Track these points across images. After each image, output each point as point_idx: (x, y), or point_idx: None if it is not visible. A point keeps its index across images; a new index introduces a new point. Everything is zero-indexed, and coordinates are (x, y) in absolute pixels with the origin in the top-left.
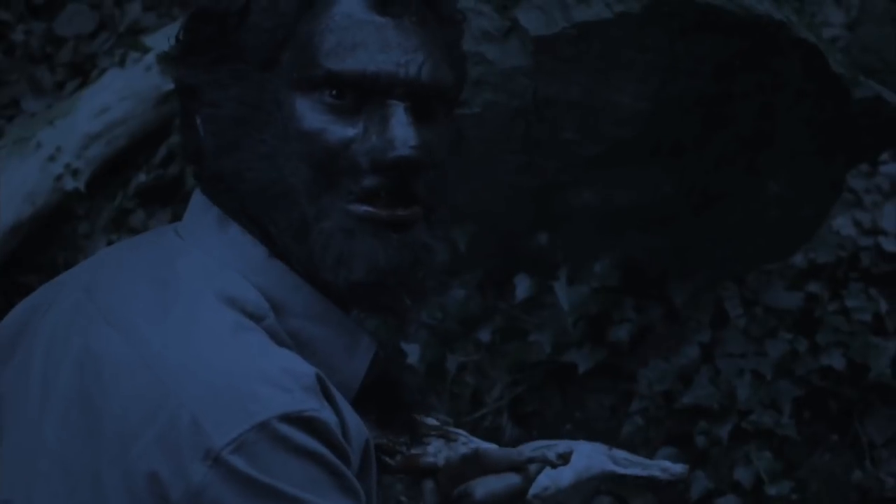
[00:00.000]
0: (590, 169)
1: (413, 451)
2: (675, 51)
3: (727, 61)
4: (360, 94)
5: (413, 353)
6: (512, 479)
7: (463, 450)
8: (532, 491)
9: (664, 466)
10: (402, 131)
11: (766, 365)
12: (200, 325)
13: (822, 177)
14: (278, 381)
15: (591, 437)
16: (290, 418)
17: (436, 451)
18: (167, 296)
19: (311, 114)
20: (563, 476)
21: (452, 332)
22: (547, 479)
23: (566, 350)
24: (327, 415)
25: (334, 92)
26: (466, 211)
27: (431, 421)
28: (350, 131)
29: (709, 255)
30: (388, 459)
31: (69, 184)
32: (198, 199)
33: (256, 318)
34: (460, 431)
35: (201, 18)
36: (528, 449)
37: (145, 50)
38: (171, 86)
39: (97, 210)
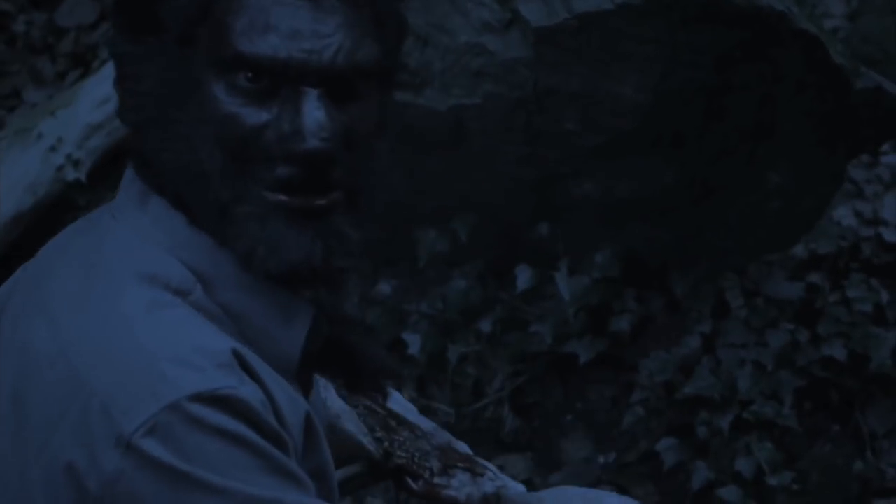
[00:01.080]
0: (591, 160)
1: (437, 481)
2: (676, 42)
3: (728, 52)
4: (276, 79)
5: (414, 343)
6: None
7: (488, 486)
8: None
9: None
10: (312, 121)
11: (767, 355)
12: (115, 308)
13: (822, 167)
14: (189, 359)
15: (592, 427)
16: (202, 398)
17: (459, 486)
18: (90, 281)
19: (225, 97)
20: None
21: (453, 323)
22: None
23: (567, 341)
24: (247, 391)
25: (250, 75)
26: (468, 201)
27: (462, 448)
28: (263, 116)
29: (710, 246)
30: (410, 482)
31: (70, 174)
32: (127, 174)
33: (182, 293)
34: (489, 466)
35: None
36: (552, 496)
37: None
38: None
39: (98, 200)
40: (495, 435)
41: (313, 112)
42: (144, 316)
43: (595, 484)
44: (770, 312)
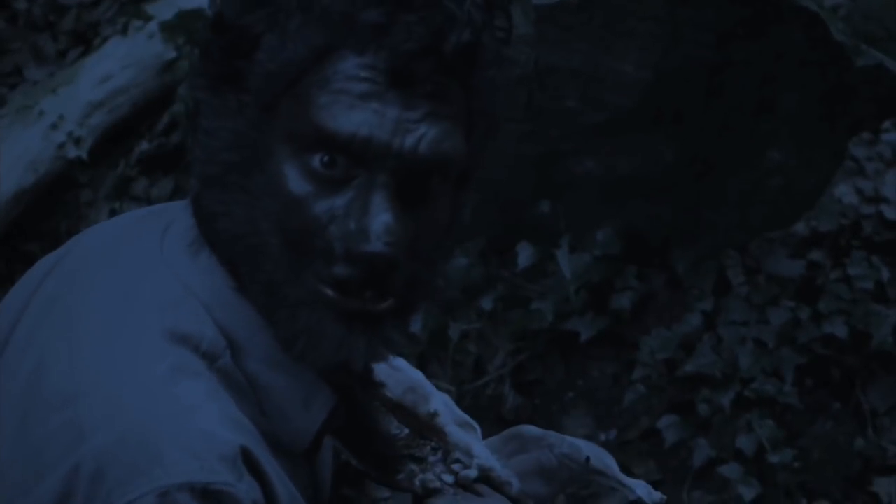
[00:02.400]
0: (592, 137)
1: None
2: (678, 19)
3: (729, 30)
4: (351, 165)
5: (415, 321)
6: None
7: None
8: None
9: (641, 494)
10: (380, 222)
11: (769, 333)
12: (134, 365)
13: (823, 145)
14: (192, 446)
15: (593, 405)
16: (193, 489)
17: (407, 476)
18: (122, 323)
19: (297, 177)
20: (541, 491)
21: (454, 301)
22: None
23: (568, 318)
24: (242, 489)
25: (325, 159)
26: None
27: (435, 405)
28: (331, 207)
29: (711, 224)
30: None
31: (72, 152)
32: (187, 213)
33: (210, 357)
34: (447, 430)
35: (219, 26)
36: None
37: (148, 18)
38: (173, 54)
39: (100, 178)
40: (496, 412)
41: (382, 212)
42: (163, 384)
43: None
44: (771, 290)
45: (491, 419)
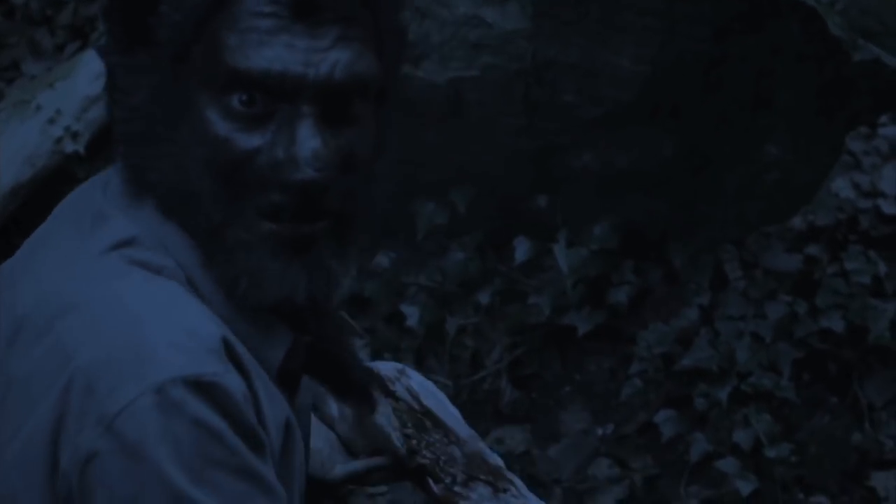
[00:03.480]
0: (589, 131)
1: (457, 489)
2: (675, 13)
3: (726, 24)
4: (270, 99)
5: (412, 315)
6: None
7: (513, 503)
8: None
9: None
10: (307, 149)
11: (766, 327)
12: (107, 281)
13: (821, 139)
14: (179, 341)
15: (590, 399)
16: (187, 381)
17: (479, 499)
18: (83, 255)
19: (218, 119)
20: None
21: (452, 295)
22: None
23: (565, 312)
24: (230, 380)
25: (244, 97)
26: (466, 173)
27: (495, 460)
28: (256, 141)
29: (708, 218)
30: (431, 484)
31: (69, 146)
32: (119, 172)
33: (174, 280)
34: (516, 482)
35: None
36: None
37: None
38: None
39: (97, 172)
40: (494, 407)
41: (308, 140)
42: (138, 288)
43: (593, 456)
44: (768, 284)
45: (488, 413)
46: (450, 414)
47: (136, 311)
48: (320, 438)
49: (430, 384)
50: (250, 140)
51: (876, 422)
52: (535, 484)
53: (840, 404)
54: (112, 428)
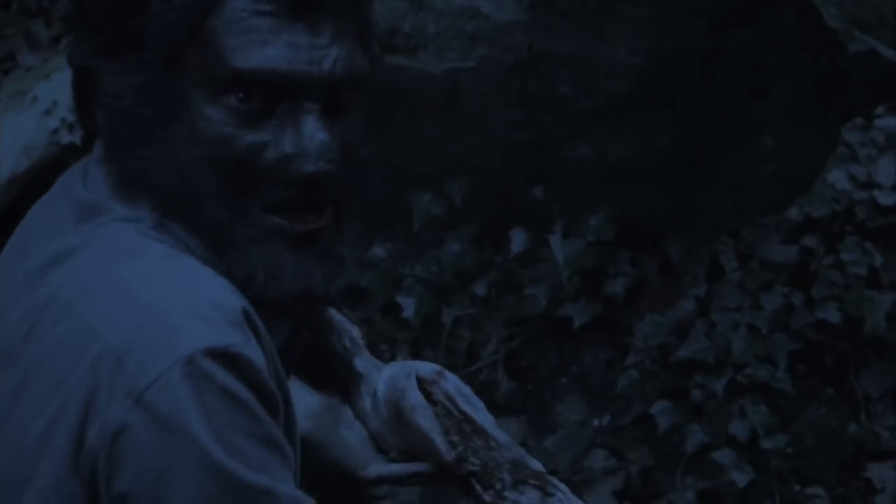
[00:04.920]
0: (585, 123)
1: (507, 494)
2: (671, 5)
3: (722, 15)
4: (270, 97)
5: (408, 306)
6: None
7: None
8: None
9: None
10: (317, 142)
11: (762, 318)
12: (127, 259)
13: (817, 131)
14: (204, 313)
15: (586, 390)
16: (215, 353)
17: (528, 502)
18: (92, 239)
19: (217, 118)
20: None
21: (448, 286)
22: None
23: (562, 304)
24: (252, 351)
25: (241, 95)
26: (462, 165)
27: (535, 464)
28: (259, 137)
29: (704, 209)
30: (480, 490)
31: (65, 137)
32: (101, 176)
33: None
34: (560, 486)
35: None
36: None
37: None
38: None
39: None
40: (490, 398)
41: (317, 133)
42: (160, 262)
43: (590, 447)
44: (764, 275)
45: (484, 405)
46: (487, 419)
47: (159, 285)
48: (352, 433)
49: (465, 387)
50: (253, 136)
51: (872, 413)
52: None
53: (836, 396)
54: (142, 400)
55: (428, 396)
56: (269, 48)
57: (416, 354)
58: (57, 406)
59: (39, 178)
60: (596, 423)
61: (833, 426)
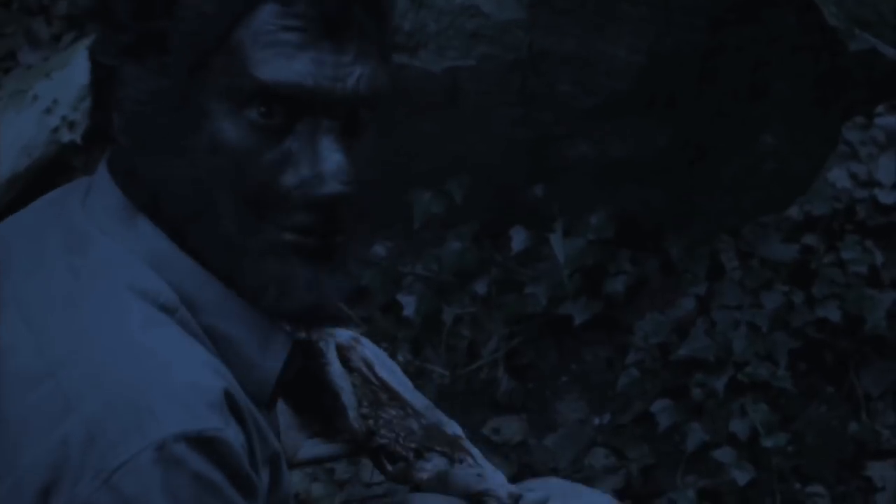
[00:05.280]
0: (585, 121)
1: (413, 463)
2: (671, 3)
3: (722, 14)
4: (291, 113)
5: (409, 305)
6: None
7: (469, 472)
8: None
9: None
10: (334, 164)
11: (762, 317)
12: (108, 326)
13: (817, 129)
14: (180, 395)
15: (586, 389)
16: (188, 438)
17: (433, 468)
18: (79, 289)
19: (240, 132)
20: None
21: (448, 285)
22: None
23: (562, 302)
24: (231, 434)
25: (262, 110)
26: (462, 163)
27: (453, 429)
28: (279, 157)
29: (704, 208)
30: (387, 464)
31: (66, 136)
32: (105, 182)
33: (169, 310)
34: (473, 451)
35: None
36: (528, 485)
37: None
38: None
39: (93, 162)
40: (490, 397)
41: (333, 154)
42: (139, 336)
43: (590, 445)
44: (765, 274)
45: (485, 403)
46: (404, 384)
47: (137, 362)
48: (282, 419)
49: (381, 352)
50: (272, 153)
51: (873, 411)
52: (531, 474)
53: (837, 394)
54: (110, 482)
55: (346, 363)
56: (295, 63)
57: (416, 353)
58: (23, 472)
59: (40, 176)
60: (596, 421)
61: (833, 425)
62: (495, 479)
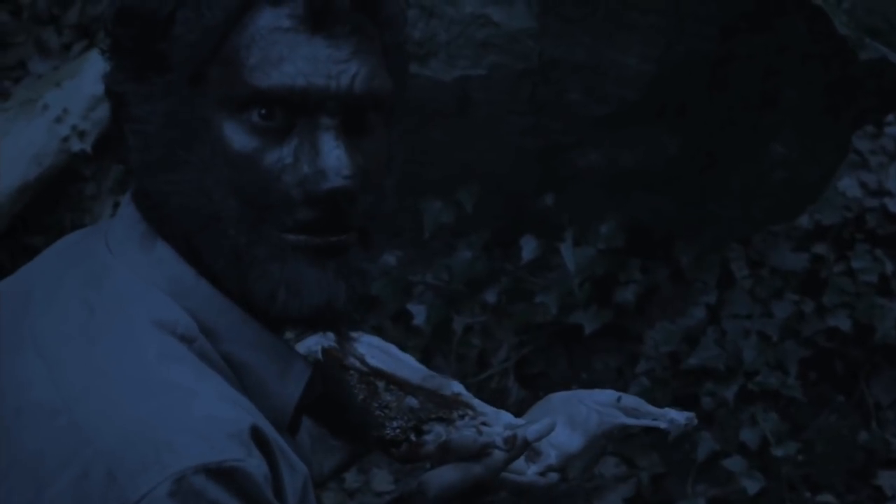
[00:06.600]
0: (595, 130)
1: (416, 440)
2: (681, 12)
3: (732, 22)
4: (290, 112)
5: (419, 314)
6: (471, 468)
7: (467, 432)
8: (535, 468)
9: (671, 417)
10: (333, 159)
11: (772, 326)
12: (123, 359)
13: (827, 138)
14: (197, 428)
15: None
16: (207, 469)
17: (435, 439)
18: (94, 323)
19: (239, 136)
20: (573, 442)
21: (459, 294)
22: (552, 450)
23: (572, 311)
24: (253, 465)
25: (263, 112)
26: (473, 172)
27: (455, 388)
28: (280, 156)
29: (715, 217)
30: (393, 450)
31: (76, 145)
32: (128, 210)
33: (188, 339)
34: (473, 402)
35: (126, 18)
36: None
37: None
38: None
39: (104, 171)
40: (500, 405)
41: (333, 150)
42: (156, 370)
43: (602, 451)
44: (775, 283)
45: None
46: (401, 362)
47: (155, 394)
48: (306, 437)
49: (375, 339)
50: (273, 154)
51: (882, 420)
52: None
53: (847, 403)
54: None
55: (340, 366)
56: (286, 65)
57: (427, 362)
58: None
59: (50, 185)
60: None
61: (843, 434)
62: (498, 422)
